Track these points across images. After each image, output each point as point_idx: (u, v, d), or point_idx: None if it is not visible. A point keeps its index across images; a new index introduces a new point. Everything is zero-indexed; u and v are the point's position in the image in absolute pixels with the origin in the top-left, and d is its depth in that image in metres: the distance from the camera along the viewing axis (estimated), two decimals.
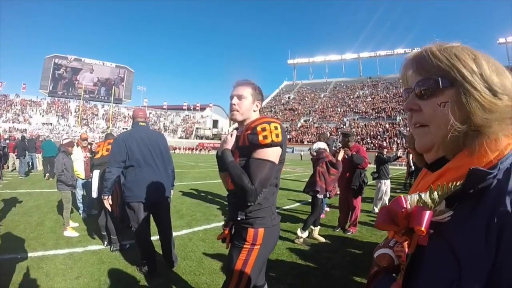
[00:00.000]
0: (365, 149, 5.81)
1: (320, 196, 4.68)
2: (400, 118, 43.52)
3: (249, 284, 1.73)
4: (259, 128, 1.64)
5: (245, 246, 1.71)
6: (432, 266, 0.58)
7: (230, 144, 1.78)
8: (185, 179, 12.84)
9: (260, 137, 1.62)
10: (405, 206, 0.62)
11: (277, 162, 1.68)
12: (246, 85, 1.86)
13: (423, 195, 0.61)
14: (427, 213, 0.58)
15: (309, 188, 4.74)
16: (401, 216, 0.61)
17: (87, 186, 6.14)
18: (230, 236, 1.85)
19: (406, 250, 0.68)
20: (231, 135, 1.81)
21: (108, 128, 51.35)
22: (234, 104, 1.82)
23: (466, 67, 0.62)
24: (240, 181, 1.59)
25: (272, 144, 1.62)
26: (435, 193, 0.59)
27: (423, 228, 0.56)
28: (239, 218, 1.73)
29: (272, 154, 1.65)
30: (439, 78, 0.63)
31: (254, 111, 1.87)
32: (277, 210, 1.97)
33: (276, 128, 1.65)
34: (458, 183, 0.57)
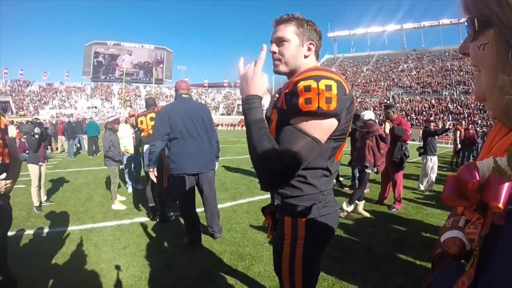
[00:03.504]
0: (409, 124, 5.52)
1: (368, 170, 4.55)
2: (447, 93, 41.07)
3: None
4: (300, 86, 1.09)
5: (285, 240, 1.32)
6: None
7: (260, 83, 1.16)
8: (228, 154, 13.06)
9: (301, 100, 1.08)
10: (477, 175, 0.49)
11: (324, 139, 1.14)
12: (287, 23, 1.31)
13: (499, 161, 0.48)
14: (506, 185, 0.45)
15: (357, 162, 4.61)
16: (472, 188, 0.49)
17: (134, 161, 6.40)
18: (273, 222, 1.49)
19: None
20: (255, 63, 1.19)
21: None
22: (275, 52, 1.32)
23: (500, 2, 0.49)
24: (263, 153, 1.08)
25: (318, 113, 1.07)
26: None
27: (500, 204, 0.44)
28: (275, 203, 1.38)
29: (317, 127, 1.10)
30: (475, 19, 0.53)
31: (306, 56, 1.32)
32: None
33: (329, 88, 1.06)
34: None
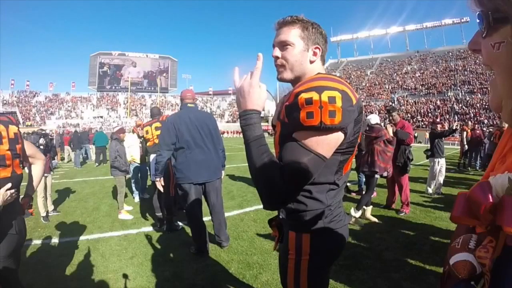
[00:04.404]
0: (415, 127, 5.49)
1: (377, 176, 4.55)
2: (452, 94, 40.86)
3: None
4: (301, 98, 1.00)
5: (290, 255, 1.25)
6: None
7: (258, 97, 1.08)
8: (235, 161, 13.01)
9: (302, 114, 0.99)
10: (491, 197, 0.46)
11: (329, 154, 1.04)
12: (290, 25, 1.20)
13: None
14: None
15: (366, 167, 4.58)
16: (485, 209, 0.46)
17: (141, 170, 6.43)
18: (280, 234, 1.42)
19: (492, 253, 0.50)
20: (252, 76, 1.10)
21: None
22: (278, 57, 1.22)
23: None
24: (264, 173, 1.02)
25: (321, 128, 0.97)
26: None
27: None
28: (280, 217, 1.32)
29: (321, 142, 1.00)
30: (489, 13, 0.48)
31: (312, 61, 1.22)
32: None
33: (332, 100, 0.96)
34: None
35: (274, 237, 1.46)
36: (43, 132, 7.57)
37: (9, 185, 1.79)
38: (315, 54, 1.23)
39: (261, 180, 1.03)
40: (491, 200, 0.45)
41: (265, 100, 1.11)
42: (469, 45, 0.57)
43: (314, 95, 0.97)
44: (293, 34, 1.19)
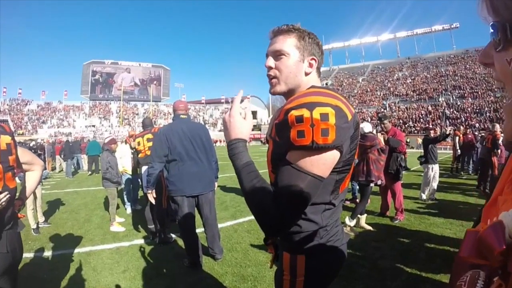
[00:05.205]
0: (407, 132, 5.51)
1: (372, 184, 4.55)
2: (443, 99, 41.41)
3: None
4: (292, 116, 0.93)
5: (284, 276, 1.18)
6: None
7: (239, 126, 1.09)
8: (228, 170, 12.78)
9: (293, 133, 0.93)
10: (504, 242, 0.41)
11: (327, 173, 0.98)
12: (286, 34, 1.14)
13: None
14: None
15: (362, 176, 4.57)
16: (497, 253, 0.41)
17: (133, 181, 6.35)
18: (276, 252, 1.33)
19: None
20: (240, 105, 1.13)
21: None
22: (271, 67, 1.15)
23: None
24: (256, 200, 1.00)
25: (313, 148, 0.91)
26: None
27: None
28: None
29: (315, 162, 0.94)
30: (507, 24, 0.43)
31: (307, 73, 1.16)
32: None
33: (325, 117, 0.90)
34: None
35: (266, 244, 1.37)
36: (32, 142, 7.44)
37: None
38: (310, 65, 1.16)
39: (252, 207, 1.01)
40: (505, 247, 0.41)
41: (249, 125, 1.11)
42: (479, 58, 0.52)
43: (305, 112, 0.91)
44: (288, 44, 1.13)
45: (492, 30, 0.46)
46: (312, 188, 0.95)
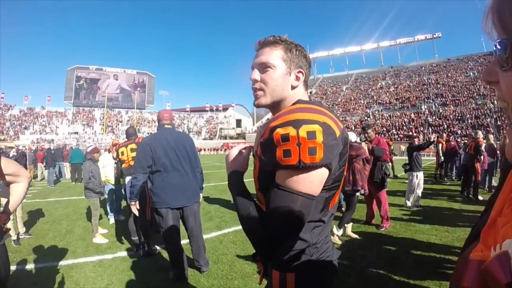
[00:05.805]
0: (390, 140, 5.58)
1: (358, 193, 4.57)
2: (425, 106, 42.27)
3: None
4: (277, 134, 0.91)
5: None
6: None
7: (238, 161, 1.17)
8: (212, 180, 12.75)
9: (279, 152, 0.90)
10: (510, 274, 0.39)
11: (318, 191, 0.95)
12: (272, 46, 1.11)
13: None
14: None
15: (348, 186, 4.57)
16: (504, 285, 0.39)
17: (116, 192, 6.21)
18: (265, 269, 1.30)
19: None
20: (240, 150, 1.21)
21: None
22: (256, 80, 1.11)
23: None
24: (254, 234, 1.00)
25: (300, 167, 0.88)
26: None
27: None
28: None
29: (303, 181, 0.91)
30: None
31: (294, 87, 1.12)
32: None
33: (312, 135, 0.87)
34: None
35: (255, 260, 1.34)
36: (12, 149, 7.21)
37: None
38: (297, 78, 1.12)
39: (248, 234, 1.03)
40: (511, 279, 0.39)
41: (245, 159, 1.19)
42: (483, 76, 0.50)
43: (291, 131, 0.88)
44: (274, 56, 1.09)
45: (499, 47, 0.43)
46: (305, 208, 0.92)
